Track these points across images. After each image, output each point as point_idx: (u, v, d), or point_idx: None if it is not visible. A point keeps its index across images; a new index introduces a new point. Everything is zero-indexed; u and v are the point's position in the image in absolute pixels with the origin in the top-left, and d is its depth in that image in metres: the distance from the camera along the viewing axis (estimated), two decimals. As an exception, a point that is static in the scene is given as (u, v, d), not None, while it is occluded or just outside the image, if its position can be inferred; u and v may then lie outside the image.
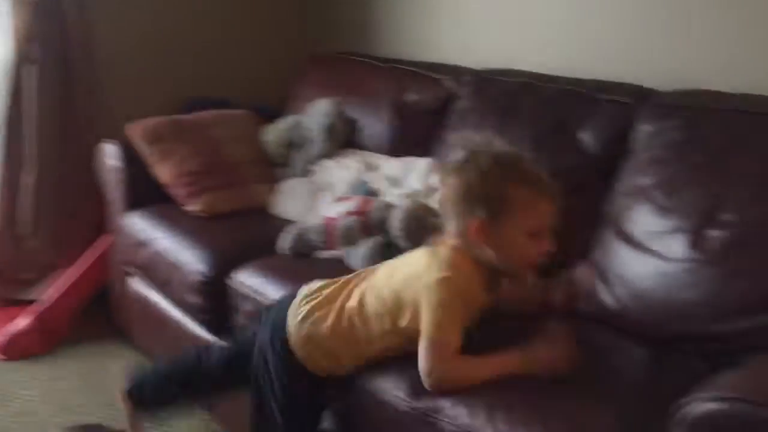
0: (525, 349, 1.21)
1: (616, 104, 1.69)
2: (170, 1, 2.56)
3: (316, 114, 2.25)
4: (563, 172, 1.70)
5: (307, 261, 1.78)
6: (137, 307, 2.16)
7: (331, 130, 2.18)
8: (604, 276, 1.49)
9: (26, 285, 2.42)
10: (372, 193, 1.92)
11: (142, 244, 2.04)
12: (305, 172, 2.20)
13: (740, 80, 1.59)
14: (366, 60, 2.42)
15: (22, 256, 2.42)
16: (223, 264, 1.80)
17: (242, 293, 1.72)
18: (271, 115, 2.44)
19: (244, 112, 2.39)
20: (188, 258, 1.86)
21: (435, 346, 1.19)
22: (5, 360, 2.19)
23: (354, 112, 2.27)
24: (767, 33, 1.60)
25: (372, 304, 1.28)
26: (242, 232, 1.98)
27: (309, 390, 1.33)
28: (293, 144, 2.27)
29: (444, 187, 1.27)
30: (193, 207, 2.07)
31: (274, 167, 2.27)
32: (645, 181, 1.52)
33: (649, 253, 1.43)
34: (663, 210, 1.45)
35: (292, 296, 1.39)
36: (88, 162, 2.29)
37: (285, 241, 1.81)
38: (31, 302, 2.32)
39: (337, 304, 1.32)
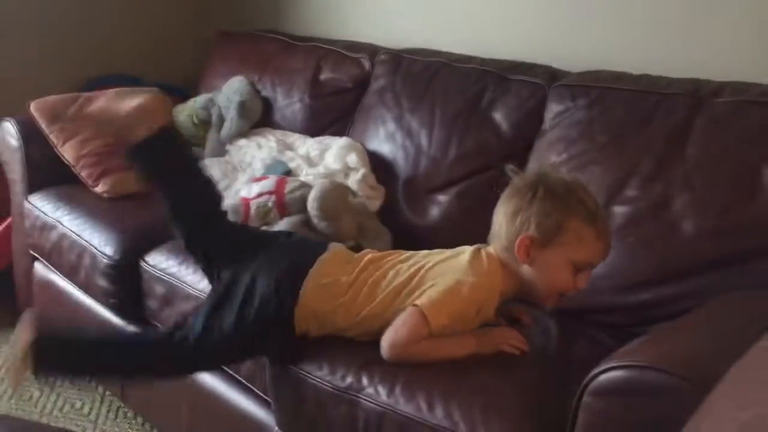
0: (478, 332, 1.23)
1: (529, 84, 1.74)
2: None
3: (228, 92, 2.20)
4: (477, 150, 1.75)
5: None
6: (44, 293, 2.06)
7: (244, 108, 2.14)
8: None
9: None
10: (288, 173, 1.90)
11: (46, 227, 1.95)
12: (220, 152, 2.15)
13: (642, 61, 1.65)
14: (280, 37, 2.37)
15: None
16: (132, 246, 1.75)
17: (155, 276, 1.67)
18: (182, 94, 2.36)
19: (152, 90, 2.30)
20: (96, 240, 1.79)
21: (416, 320, 1.17)
22: None
23: (268, 91, 2.23)
24: (666, 16, 1.67)
25: (398, 279, 1.25)
26: (152, 213, 1.86)
27: (272, 334, 1.28)
28: (206, 123, 2.21)
29: (510, 198, 1.25)
30: (99, 188, 2.00)
31: (187, 147, 2.20)
32: (555, 159, 1.56)
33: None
34: (572, 187, 1.50)
35: (323, 246, 1.35)
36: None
37: (199, 222, 1.76)
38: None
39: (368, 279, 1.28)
